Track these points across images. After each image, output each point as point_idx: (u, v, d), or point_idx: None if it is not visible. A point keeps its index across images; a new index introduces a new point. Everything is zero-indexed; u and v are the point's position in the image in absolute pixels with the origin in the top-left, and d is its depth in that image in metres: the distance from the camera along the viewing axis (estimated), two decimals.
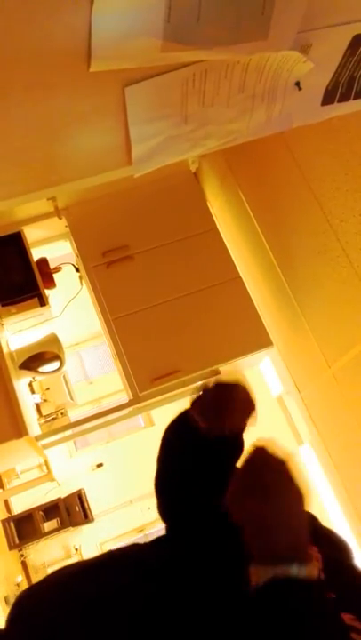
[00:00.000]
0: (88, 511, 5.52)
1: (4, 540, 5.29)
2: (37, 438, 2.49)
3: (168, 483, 1.10)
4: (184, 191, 2.74)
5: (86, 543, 5.92)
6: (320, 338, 2.27)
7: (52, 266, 2.71)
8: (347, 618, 0.67)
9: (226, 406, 1.01)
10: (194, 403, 1.05)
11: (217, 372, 2.46)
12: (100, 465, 6.24)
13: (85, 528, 5.81)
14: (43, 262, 2.67)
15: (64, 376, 3.18)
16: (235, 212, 2.72)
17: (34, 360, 2.74)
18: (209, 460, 1.02)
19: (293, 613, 0.65)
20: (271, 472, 0.73)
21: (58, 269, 2.76)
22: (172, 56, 0.86)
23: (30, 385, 3.01)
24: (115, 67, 0.87)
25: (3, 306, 2.49)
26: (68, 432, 2.67)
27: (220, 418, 1.00)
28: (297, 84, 1.04)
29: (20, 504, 5.73)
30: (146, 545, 1.03)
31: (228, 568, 0.82)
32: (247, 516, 0.72)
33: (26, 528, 5.38)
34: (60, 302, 2.86)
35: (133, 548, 1.04)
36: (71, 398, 3.20)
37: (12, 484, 5.08)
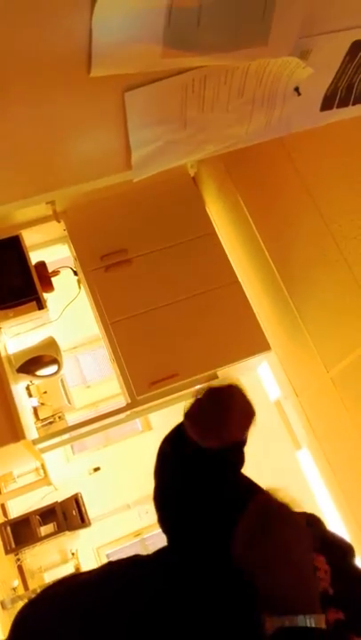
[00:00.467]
0: (85, 515, 5.50)
1: (1, 544, 5.27)
2: (34, 442, 2.49)
3: (167, 497, 1.05)
4: (183, 195, 2.75)
5: (83, 547, 5.89)
6: (318, 342, 2.27)
7: (50, 269, 2.71)
8: None
9: (222, 417, 0.92)
10: (188, 413, 0.96)
11: (215, 377, 2.46)
12: (97, 469, 6.22)
13: (82, 532, 5.78)
14: (41, 266, 2.67)
15: (61, 380, 3.18)
16: (233, 217, 2.73)
17: (31, 363, 2.73)
18: (207, 475, 0.97)
19: None
20: (279, 523, 0.72)
21: (56, 273, 2.76)
22: (171, 61, 0.87)
23: (28, 388, 3.01)
24: (115, 72, 0.87)
25: (0, 309, 2.48)
26: (66, 436, 2.66)
27: (216, 430, 0.92)
28: (296, 89, 1.04)
29: (17, 508, 5.70)
30: (148, 557, 1.00)
31: (228, 583, 0.81)
32: (256, 567, 0.71)
33: (22, 532, 5.35)
34: (58, 306, 2.85)
35: (135, 563, 1.00)
36: (69, 402, 3.20)
37: (8, 488, 5.06)
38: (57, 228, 2.77)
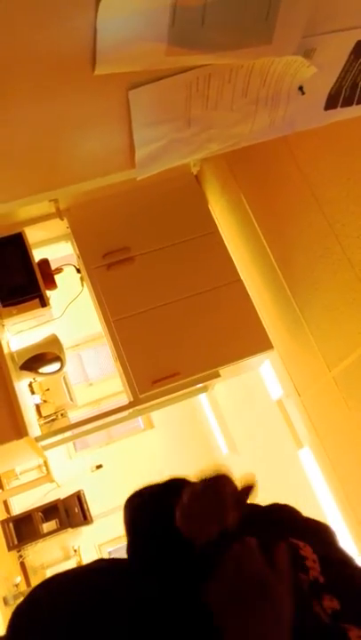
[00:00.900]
0: (87, 512, 5.51)
1: (3, 540, 5.29)
2: (37, 439, 2.50)
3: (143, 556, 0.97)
4: (186, 194, 2.75)
5: (85, 544, 5.91)
6: (321, 341, 2.27)
7: (53, 267, 2.71)
8: (353, 635, 0.66)
9: (213, 510, 0.86)
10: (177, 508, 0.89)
11: (217, 375, 2.46)
12: (99, 466, 6.23)
13: (84, 529, 5.80)
14: (44, 263, 2.67)
15: (64, 377, 3.19)
16: (236, 215, 2.73)
17: (34, 361, 2.74)
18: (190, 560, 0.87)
19: None
20: (258, 599, 0.67)
21: (59, 270, 2.77)
22: (176, 59, 0.87)
23: (30, 386, 3.02)
24: (119, 70, 0.87)
25: (4, 306, 2.49)
26: (68, 433, 2.67)
27: (207, 524, 0.85)
28: (300, 88, 1.04)
29: (20, 505, 5.73)
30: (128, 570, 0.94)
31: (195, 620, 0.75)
32: (229, 626, 0.66)
33: (25, 529, 5.37)
34: (60, 303, 2.86)
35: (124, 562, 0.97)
36: (71, 399, 3.20)
37: (11, 485, 5.08)
38: (60, 226, 2.77)
